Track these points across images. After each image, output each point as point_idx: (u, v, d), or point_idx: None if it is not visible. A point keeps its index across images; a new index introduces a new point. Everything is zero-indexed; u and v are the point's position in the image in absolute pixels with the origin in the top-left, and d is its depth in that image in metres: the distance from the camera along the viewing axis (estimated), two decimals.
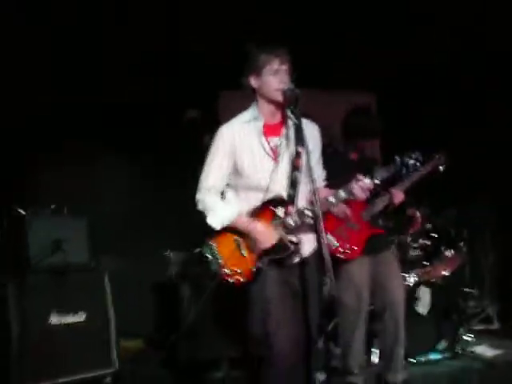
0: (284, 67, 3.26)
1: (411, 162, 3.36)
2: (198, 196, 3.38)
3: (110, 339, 4.71)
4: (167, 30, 5.75)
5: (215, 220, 3.30)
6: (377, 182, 3.30)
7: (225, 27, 5.84)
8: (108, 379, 4.64)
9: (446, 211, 5.80)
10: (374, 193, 4.13)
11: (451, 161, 4.34)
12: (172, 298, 5.28)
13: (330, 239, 4.25)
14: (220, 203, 3.37)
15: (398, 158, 3.36)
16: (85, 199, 5.46)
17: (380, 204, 4.35)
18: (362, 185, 3.25)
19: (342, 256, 4.25)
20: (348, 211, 4.02)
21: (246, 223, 3.26)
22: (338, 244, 4.26)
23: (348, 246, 4.26)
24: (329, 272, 2.88)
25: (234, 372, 4.80)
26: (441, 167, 4.31)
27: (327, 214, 4.13)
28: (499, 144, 6.18)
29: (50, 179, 5.63)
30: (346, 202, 3.88)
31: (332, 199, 3.27)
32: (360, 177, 3.27)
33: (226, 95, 6.54)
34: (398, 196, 4.28)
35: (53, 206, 4.79)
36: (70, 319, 4.54)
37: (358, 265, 4.30)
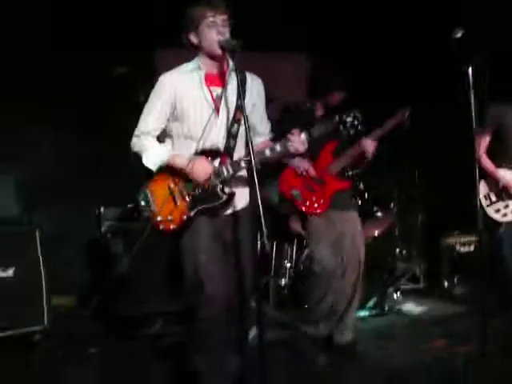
0: (220, 18, 3.22)
1: (349, 119, 3.39)
2: (134, 139, 3.36)
3: (40, 296, 4.63)
4: None
5: (150, 159, 3.29)
6: (312, 136, 3.32)
7: None
8: (38, 336, 4.57)
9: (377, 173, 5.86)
10: (340, 146, 4.28)
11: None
12: (105, 255, 5.22)
13: (295, 193, 4.30)
14: (156, 144, 3.35)
15: (336, 116, 3.39)
16: (13, 158, 5.32)
17: (347, 157, 4.36)
18: (298, 139, 3.28)
19: (305, 210, 4.30)
20: (307, 166, 4.16)
21: (181, 159, 3.26)
22: (301, 197, 4.31)
23: (314, 199, 4.29)
24: (263, 227, 2.89)
25: (169, 327, 4.81)
26: (403, 125, 4.34)
27: (291, 168, 4.24)
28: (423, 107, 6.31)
29: None
30: (310, 156, 4.01)
31: (267, 152, 3.28)
32: (295, 131, 3.29)
33: (162, 53, 6.46)
34: (370, 144, 4.25)
35: None
36: None
37: (325, 220, 4.32)
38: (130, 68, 5.85)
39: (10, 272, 4.52)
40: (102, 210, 5.28)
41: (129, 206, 5.28)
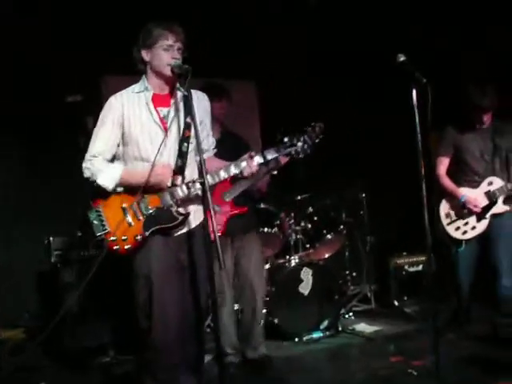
0: (177, 44, 3.29)
1: (299, 144, 3.45)
2: (85, 164, 3.33)
3: None
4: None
5: (106, 179, 3.27)
6: (265, 160, 3.39)
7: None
8: None
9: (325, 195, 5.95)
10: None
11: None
12: (53, 285, 5.11)
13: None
14: (107, 164, 3.34)
15: (287, 140, 3.44)
16: None
17: (245, 183, 4.39)
18: (252, 162, 3.33)
19: None
20: None
21: (137, 172, 3.26)
22: None
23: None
24: (217, 246, 2.91)
25: (120, 356, 4.75)
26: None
27: None
28: (370, 128, 6.48)
29: None
30: None
31: (222, 173, 3.32)
32: (252, 153, 3.35)
33: (108, 80, 6.45)
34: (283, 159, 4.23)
35: None
36: None
37: (222, 246, 4.33)
38: (83, 95, 5.83)
39: None
40: (51, 239, 5.16)
41: (78, 234, 5.18)
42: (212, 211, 2.94)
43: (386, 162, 6.28)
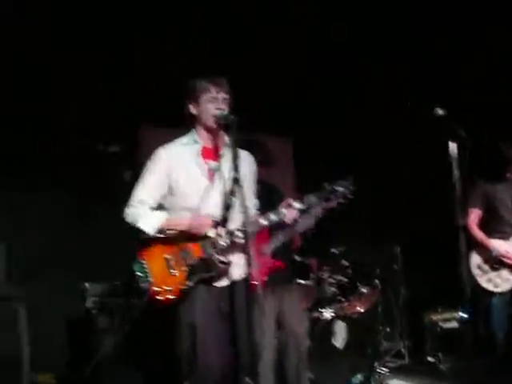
0: (221, 95, 3.37)
1: (340, 189, 3.49)
2: (127, 210, 3.39)
3: (20, 373, 4.52)
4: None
5: (147, 224, 3.31)
6: (305, 206, 3.41)
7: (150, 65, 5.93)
8: None
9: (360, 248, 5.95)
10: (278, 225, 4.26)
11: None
12: (87, 331, 5.14)
13: None
14: (149, 211, 3.38)
15: (327, 185, 3.48)
16: (4, 227, 5.29)
17: (284, 235, 4.38)
18: (292, 208, 3.36)
19: None
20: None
21: (179, 220, 3.30)
22: None
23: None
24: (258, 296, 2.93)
25: None
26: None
27: None
28: (406, 180, 6.49)
29: None
30: None
31: (262, 221, 3.36)
32: (290, 201, 3.38)
33: (146, 131, 6.58)
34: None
35: None
36: None
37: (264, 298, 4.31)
38: (122, 147, 5.95)
39: None
40: (86, 285, 5.21)
41: (115, 282, 5.24)
42: (253, 260, 2.96)
43: (422, 216, 6.25)
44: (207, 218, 3.30)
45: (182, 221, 3.30)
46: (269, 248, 4.39)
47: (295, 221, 3.44)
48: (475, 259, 4.76)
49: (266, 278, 4.30)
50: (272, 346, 4.45)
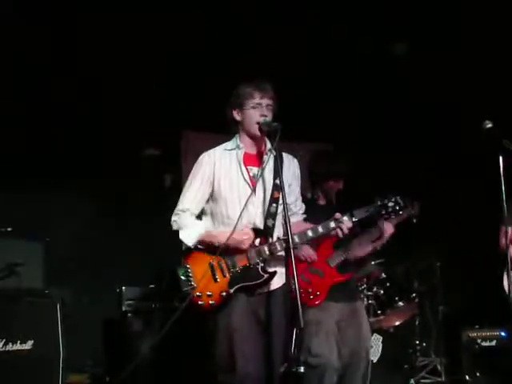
0: (265, 101, 3.34)
1: (390, 204, 3.43)
2: (174, 217, 3.40)
3: (56, 372, 4.51)
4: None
5: (187, 235, 3.31)
6: (355, 220, 3.36)
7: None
8: None
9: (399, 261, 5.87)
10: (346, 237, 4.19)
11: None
12: (122, 334, 5.15)
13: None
14: (194, 220, 3.39)
15: (378, 199, 3.43)
16: (42, 227, 5.34)
17: (347, 251, 4.32)
18: (341, 223, 3.31)
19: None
20: (314, 256, 4.06)
21: (219, 234, 3.28)
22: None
23: (309, 290, 4.17)
24: (299, 306, 2.88)
25: None
26: (414, 218, 4.45)
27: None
28: (447, 194, 6.40)
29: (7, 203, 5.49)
30: (314, 246, 3.94)
31: (310, 233, 3.33)
32: (337, 215, 3.33)
33: (188, 136, 6.60)
34: (389, 228, 4.31)
35: (9, 229, 4.66)
36: (16, 346, 4.34)
37: (323, 312, 4.20)
38: (160, 150, 5.97)
39: (29, 344, 4.44)
40: (123, 288, 5.23)
41: (150, 286, 5.25)
42: (295, 272, 2.91)
43: (462, 230, 6.15)
44: (247, 234, 3.26)
45: (220, 237, 3.26)
46: (333, 261, 4.31)
47: (344, 234, 3.35)
48: (509, 280, 4.66)
49: (328, 291, 4.23)
50: (336, 362, 4.22)
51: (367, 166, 6.39)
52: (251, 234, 3.28)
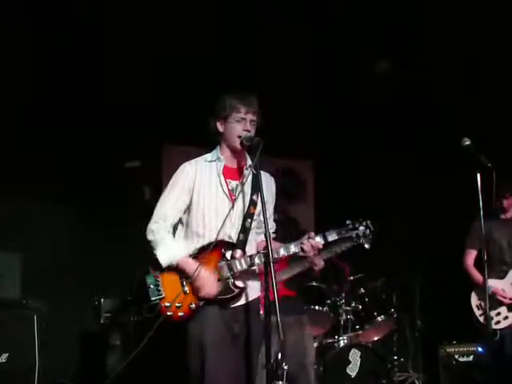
0: (249, 116, 3.34)
1: (361, 228, 3.45)
2: (151, 226, 3.37)
3: None
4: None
5: (163, 256, 3.28)
6: (327, 241, 3.37)
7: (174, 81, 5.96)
8: None
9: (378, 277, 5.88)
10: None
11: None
12: (99, 346, 5.11)
13: None
14: (170, 240, 3.36)
15: (349, 223, 3.44)
16: (18, 238, 5.30)
17: (298, 268, 4.39)
18: (313, 242, 3.31)
19: None
20: None
21: (191, 267, 3.24)
22: None
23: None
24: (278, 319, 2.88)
25: None
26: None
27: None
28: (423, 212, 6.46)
29: None
30: None
31: (282, 251, 3.32)
32: (311, 234, 3.34)
33: (169, 149, 6.60)
34: (319, 263, 4.29)
35: None
36: None
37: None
38: (142, 162, 5.95)
39: (4, 357, 4.39)
40: (101, 300, 5.19)
41: (129, 298, 5.21)
42: (275, 286, 2.92)
43: (441, 247, 6.19)
44: (214, 288, 3.23)
45: (193, 272, 3.21)
46: (283, 275, 4.38)
47: (314, 254, 3.37)
48: (474, 299, 4.85)
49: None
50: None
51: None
52: (213, 284, 3.23)
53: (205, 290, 3.22)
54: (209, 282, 3.22)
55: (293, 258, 4.20)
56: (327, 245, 3.45)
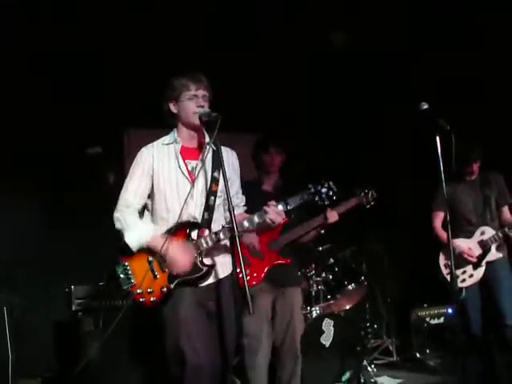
0: (201, 92, 3.34)
1: (324, 190, 3.47)
2: (116, 214, 3.38)
3: (5, 378, 4.46)
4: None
5: (132, 239, 3.29)
6: (289, 207, 3.38)
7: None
8: None
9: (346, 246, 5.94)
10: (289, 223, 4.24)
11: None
12: (73, 334, 5.07)
13: None
14: (138, 222, 3.36)
15: (311, 186, 3.46)
16: None
17: (292, 235, 4.47)
18: (275, 209, 3.32)
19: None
20: (257, 244, 4.04)
21: (161, 244, 3.23)
22: None
23: (248, 272, 4.28)
24: (246, 294, 2.90)
25: None
26: (368, 205, 4.62)
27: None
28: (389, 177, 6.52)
29: None
30: (260, 231, 3.96)
31: (246, 223, 3.33)
32: (272, 202, 3.34)
33: (131, 133, 6.54)
34: (334, 216, 4.45)
35: None
36: None
37: (260, 293, 4.35)
38: (104, 148, 5.90)
39: None
40: (72, 287, 5.15)
41: (100, 284, 5.18)
42: (241, 259, 2.94)
43: (407, 212, 6.26)
44: (185, 263, 3.23)
45: (163, 249, 3.21)
46: (276, 245, 4.45)
47: (277, 221, 3.35)
48: (442, 259, 4.94)
49: (265, 274, 4.38)
50: (268, 343, 4.47)
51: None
52: (188, 261, 3.24)
53: (177, 262, 3.22)
54: (179, 253, 3.23)
55: (285, 227, 4.32)
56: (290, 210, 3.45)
